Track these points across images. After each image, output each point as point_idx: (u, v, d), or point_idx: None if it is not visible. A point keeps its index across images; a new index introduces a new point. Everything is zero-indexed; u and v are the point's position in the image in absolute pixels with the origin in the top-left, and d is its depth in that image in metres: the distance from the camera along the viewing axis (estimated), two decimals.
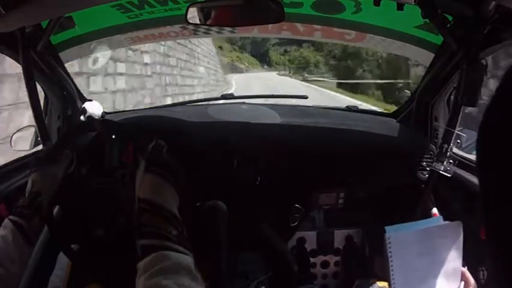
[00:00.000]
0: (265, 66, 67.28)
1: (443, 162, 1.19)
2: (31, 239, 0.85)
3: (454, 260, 0.79)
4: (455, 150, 1.25)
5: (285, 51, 73.80)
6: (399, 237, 0.78)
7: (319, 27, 1.62)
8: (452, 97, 1.25)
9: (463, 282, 0.80)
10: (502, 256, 0.30)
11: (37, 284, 1.14)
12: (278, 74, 50.84)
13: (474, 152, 0.35)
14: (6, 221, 0.84)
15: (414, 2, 1.04)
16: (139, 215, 0.72)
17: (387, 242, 0.77)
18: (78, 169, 1.03)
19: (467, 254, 0.81)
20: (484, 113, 0.31)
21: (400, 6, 1.15)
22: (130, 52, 5.74)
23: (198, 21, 1.14)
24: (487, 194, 0.31)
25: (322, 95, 19.59)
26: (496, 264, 0.31)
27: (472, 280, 0.79)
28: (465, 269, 0.81)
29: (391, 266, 0.77)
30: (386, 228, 0.79)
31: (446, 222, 0.83)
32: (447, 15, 1.08)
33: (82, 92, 1.50)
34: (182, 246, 0.68)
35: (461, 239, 0.80)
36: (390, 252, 0.77)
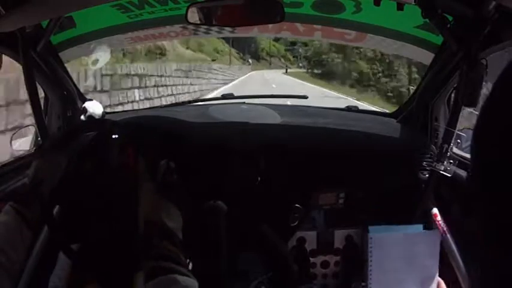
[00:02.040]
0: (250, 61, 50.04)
1: (443, 162, 1.19)
2: (32, 226, 0.85)
3: (430, 267, 0.80)
4: (455, 150, 1.25)
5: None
6: (381, 238, 0.79)
7: (319, 27, 1.62)
8: (452, 97, 1.25)
9: None
10: (494, 254, 0.30)
11: (37, 284, 1.14)
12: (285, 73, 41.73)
13: None
14: (7, 207, 0.84)
15: (414, 2, 1.04)
16: (150, 237, 0.74)
17: (369, 242, 0.78)
18: (78, 168, 1.03)
19: (466, 253, 0.82)
20: (478, 115, 0.31)
21: (400, 6, 1.15)
22: None
23: (198, 21, 1.14)
24: (482, 196, 0.31)
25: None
26: (489, 263, 0.31)
27: None
28: (441, 280, 0.81)
29: (370, 264, 0.78)
30: (370, 228, 0.80)
31: (426, 230, 0.84)
32: (447, 15, 1.08)
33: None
34: (187, 270, 0.70)
35: (438, 248, 0.80)
36: (371, 251, 0.78)
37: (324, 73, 36.82)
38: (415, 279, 0.80)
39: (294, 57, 63.33)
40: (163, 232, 0.75)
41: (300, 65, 57.25)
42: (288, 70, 47.42)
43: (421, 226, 0.88)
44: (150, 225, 0.77)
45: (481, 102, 1.06)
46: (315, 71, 41.44)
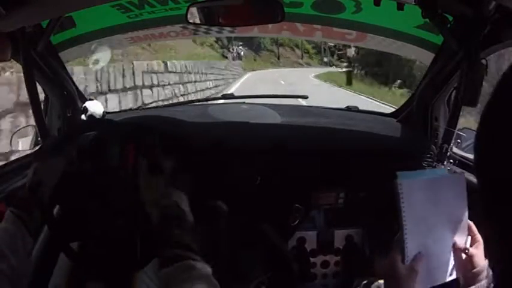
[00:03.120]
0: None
1: (443, 162, 1.19)
2: (33, 231, 0.85)
3: (460, 211, 0.79)
4: (455, 150, 1.25)
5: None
6: (410, 184, 0.77)
7: (319, 27, 1.62)
8: (452, 97, 1.25)
9: (469, 237, 0.80)
10: (497, 252, 0.30)
11: (38, 283, 1.14)
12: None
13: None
14: (7, 212, 0.84)
15: (414, 2, 1.04)
16: (165, 224, 0.75)
17: (399, 188, 0.76)
18: (78, 168, 1.03)
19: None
20: (482, 115, 0.31)
21: (400, 6, 1.15)
22: None
23: (198, 21, 1.15)
24: (485, 194, 0.31)
25: None
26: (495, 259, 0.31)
27: (479, 236, 0.78)
28: (472, 223, 0.80)
29: (403, 213, 0.76)
30: (398, 174, 0.78)
31: (452, 174, 0.82)
32: (447, 15, 1.08)
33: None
34: (200, 257, 0.72)
35: (465, 190, 0.79)
36: (402, 198, 0.76)
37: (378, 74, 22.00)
38: (447, 224, 0.79)
39: (314, 48, 43.46)
40: (177, 219, 0.77)
41: (325, 60, 42.31)
42: (311, 68, 32.76)
43: (445, 169, 0.87)
44: (164, 212, 0.78)
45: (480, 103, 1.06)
46: (362, 71, 25.10)
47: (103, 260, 1.14)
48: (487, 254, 0.69)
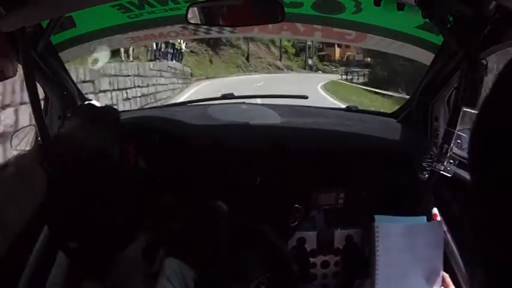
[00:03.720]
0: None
1: (443, 163, 1.19)
2: (29, 228, 0.84)
3: (434, 260, 0.79)
4: (455, 150, 1.25)
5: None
6: (386, 228, 0.77)
7: (319, 27, 1.62)
8: (452, 97, 1.25)
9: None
10: (485, 255, 0.30)
11: (37, 283, 1.14)
12: None
13: None
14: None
15: (414, 2, 1.04)
16: None
17: (375, 231, 0.76)
18: (77, 168, 1.03)
19: (466, 253, 0.81)
20: (477, 114, 0.31)
21: (400, 6, 1.15)
22: None
23: (198, 21, 1.15)
24: (476, 194, 0.31)
25: None
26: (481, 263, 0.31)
27: (452, 286, 0.78)
28: (446, 274, 0.80)
29: (377, 256, 0.76)
30: (376, 217, 0.78)
31: (429, 222, 0.82)
32: (447, 15, 1.08)
33: None
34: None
35: (442, 240, 0.79)
36: (378, 242, 0.76)
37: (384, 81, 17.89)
38: (420, 272, 0.79)
39: (293, 46, 31.92)
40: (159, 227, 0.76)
41: (310, 62, 32.70)
42: (298, 75, 23.43)
43: (424, 218, 0.87)
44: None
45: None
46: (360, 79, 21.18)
47: (101, 259, 1.14)
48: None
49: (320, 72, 29.95)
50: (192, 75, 18.86)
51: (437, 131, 1.34)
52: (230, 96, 1.76)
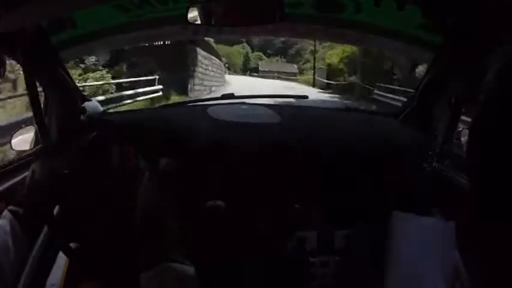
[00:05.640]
0: None
1: (443, 162, 1.19)
2: (28, 228, 0.85)
3: (449, 260, 0.78)
4: (455, 150, 1.25)
5: None
6: (403, 226, 0.76)
7: (319, 27, 1.62)
8: (452, 97, 1.25)
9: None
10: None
11: (36, 282, 1.14)
12: None
13: None
14: (5, 211, 0.84)
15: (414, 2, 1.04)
16: (147, 232, 0.75)
17: (393, 227, 0.75)
18: (77, 168, 1.03)
19: (466, 253, 0.81)
20: (475, 116, 0.31)
21: (400, 6, 1.15)
22: None
23: (198, 22, 1.14)
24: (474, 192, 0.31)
25: None
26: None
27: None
28: (463, 270, 0.79)
29: (391, 256, 0.75)
30: (394, 213, 0.77)
31: (441, 221, 0.81)
32: (447, 16, 1.08)
33: None
34: (183, 257, 0.71)
35: (454, 239, 0.78)
36: (394, 239, 0.75)
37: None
38: (434, 272, 0.78)
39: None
40: (159, 227, 0.76)
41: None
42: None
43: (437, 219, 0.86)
44: (147, 221, 0.78)
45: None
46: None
47: (101, 259, 1.14)
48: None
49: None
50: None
51: (437, 131, 1.34)
52: (230, 96, 1.76)
